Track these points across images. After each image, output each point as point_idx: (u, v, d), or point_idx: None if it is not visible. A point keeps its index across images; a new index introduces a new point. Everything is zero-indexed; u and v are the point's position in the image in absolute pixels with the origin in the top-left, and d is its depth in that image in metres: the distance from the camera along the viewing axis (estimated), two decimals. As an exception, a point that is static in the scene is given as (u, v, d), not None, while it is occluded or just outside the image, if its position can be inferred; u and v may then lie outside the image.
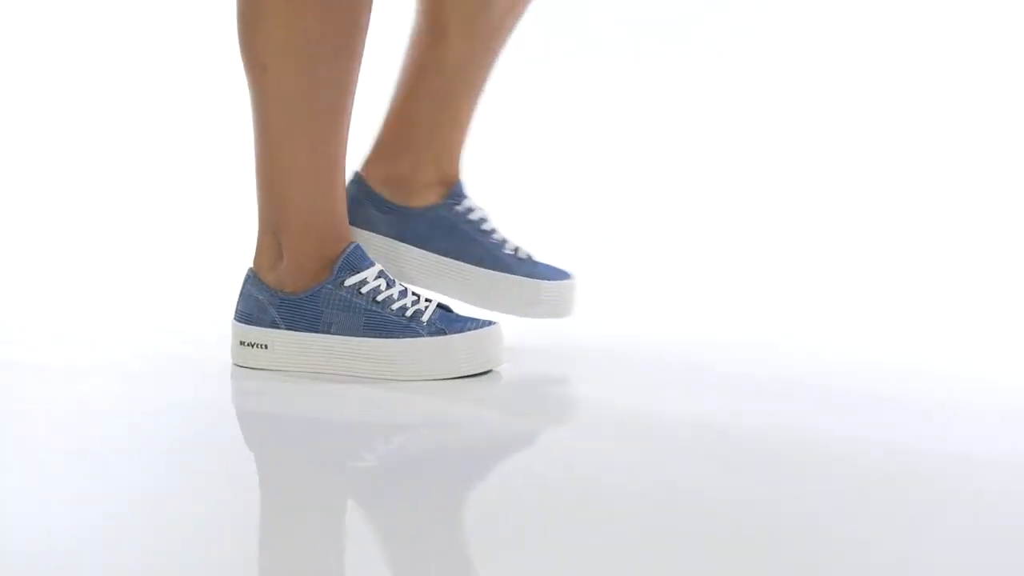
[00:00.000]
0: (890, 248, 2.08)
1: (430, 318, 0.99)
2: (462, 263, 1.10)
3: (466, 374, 1.00)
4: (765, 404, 0.97)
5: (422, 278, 1.10)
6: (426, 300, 1.01)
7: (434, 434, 0.90)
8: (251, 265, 1.03)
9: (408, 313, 0.99)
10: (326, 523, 0.64)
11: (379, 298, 0.99)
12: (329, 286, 0.99)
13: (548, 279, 1.10)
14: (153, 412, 0.91)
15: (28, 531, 0.62)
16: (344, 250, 1.00)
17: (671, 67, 2.44)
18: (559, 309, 1.11)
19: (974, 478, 0.75)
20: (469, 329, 1.00)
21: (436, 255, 1.10)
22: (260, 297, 1.01)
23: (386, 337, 0.99)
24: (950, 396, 1.02)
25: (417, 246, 1.10)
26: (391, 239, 1.10)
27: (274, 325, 1.00)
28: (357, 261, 1.00)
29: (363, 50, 1.00)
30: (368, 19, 0.99)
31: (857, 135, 2.38)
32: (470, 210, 1.11)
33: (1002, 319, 1.49)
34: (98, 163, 2.42)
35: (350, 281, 0.99)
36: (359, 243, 1.03)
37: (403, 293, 1.00)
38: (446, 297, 1.09)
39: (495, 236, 1.11)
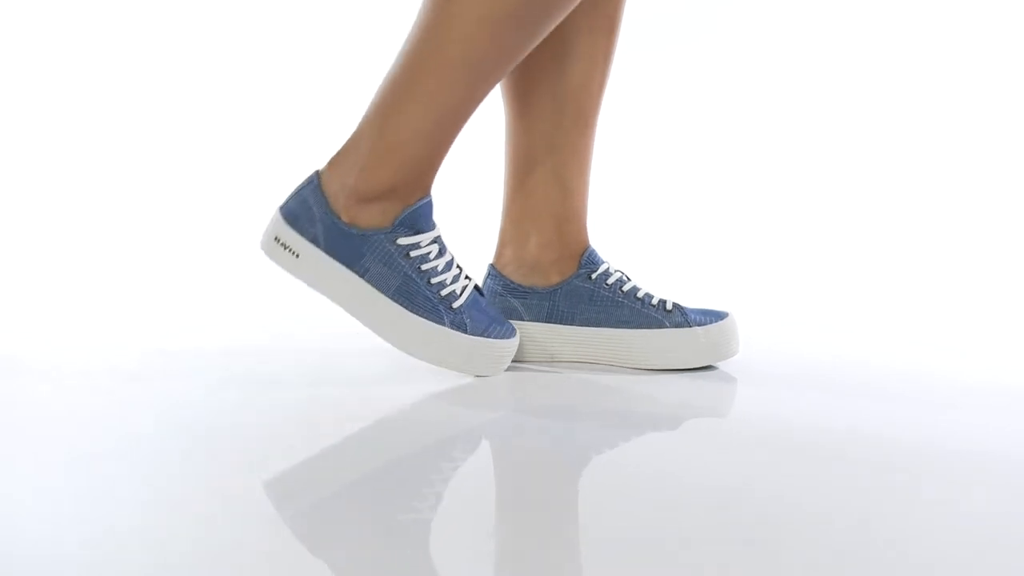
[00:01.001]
0: (890, 248, 2.08)
1: (461, 304, 1.02)
2: (612, 329, 1.10)
3: (470, 373, 1.03)
4: (765, 401, 0.98)
5: (578, 352, 1.11)
6: (465, 279, 1.03)
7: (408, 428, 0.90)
8: (321, 168, 1.02)
9: (444, 292, 1.01)
10: (336, 529, 0.64)
11: (423, 267, 1.00)
12: (382, 236, 0.99)
13: (701, 324, 1.09)
14: (155, 413, 0.91)
15: (28, 532, 0.62)
16: (415, 203, 1.00)
17: (669, 67, 2.44)
18: (720, 352, 1.09)
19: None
20: (489, 335, 1.03)
21: (584, 327, 1.11)
22: (314, 209, 1.00)
23: (410, 311, 1.00)
24: (952, 396, 1.02)
25: (563, 323, 1.11)
26: (538, 323, 1.12)
27: (314, 241, 1.00)
28: (419, 220, 1.00)
29: (543, 33, 0.99)
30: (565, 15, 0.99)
31: (860, 136, 2.38)
32: (607, 275, 1.12)
33: (1003, 319, 1.49)
34: (98, 163, 2.43)
35: (403, 241, 1.00)
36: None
37: (448, 265, 1.02)
38: (612, 368, 1.10)
39: (638, 294, 1.11)
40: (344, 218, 1.00)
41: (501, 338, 1.04)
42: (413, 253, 1.00)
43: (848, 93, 2.40)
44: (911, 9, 2.37)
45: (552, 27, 0.99)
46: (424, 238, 1.01)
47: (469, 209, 1.64)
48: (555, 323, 1.11)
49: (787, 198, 2.31)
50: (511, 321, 1.11)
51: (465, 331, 1.01)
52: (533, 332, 1.12)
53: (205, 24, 2.50)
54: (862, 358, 1.23)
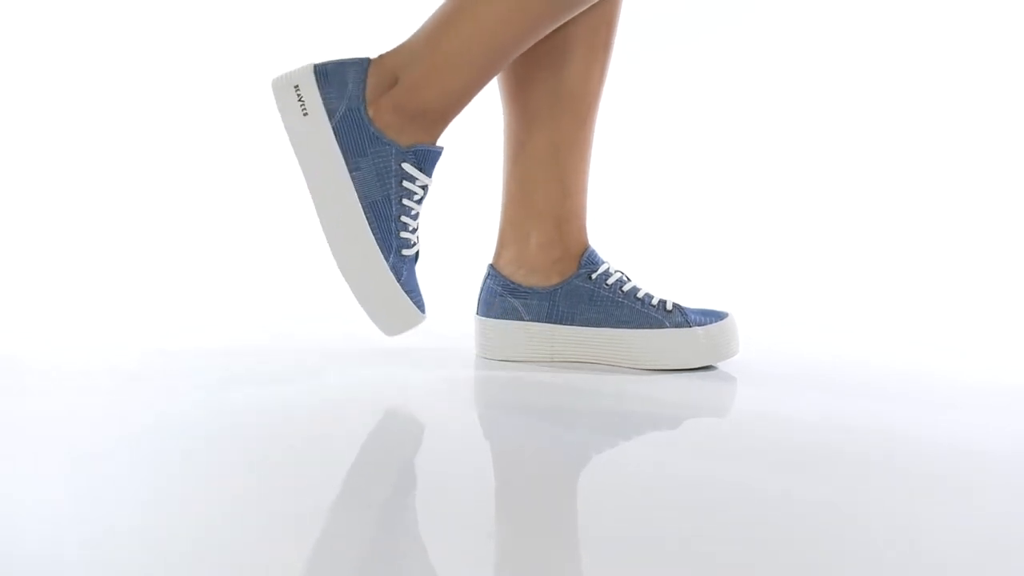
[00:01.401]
0: (890, 248, 2.08)
1: (407, 256, 1.03)
2: (612, 329, 1.10)
3: (375, 322, 1.05)
4: (765, 401, 0.98)
5: (578, 352, 1.12)
6: (417, 241, 1.04)
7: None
8: (373, 56, 1.02)
9: (403, 235, 1.01)
10: (336, 529, 0.64)
11: (405, 202, 1.00)
12: (392, 149, 0.99)
13: (701, 324, 1.09)
14: (155, 413, 0.91)
15: (28, 532, 0.62)
16: (434, 144, 1.01)
17: (669, 67, 2.44)
18: (720, 352, 1.10)
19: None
20: (411, 297, 1.04)
21: (584, 327, 1.11)
22: (349, 85, 0.99)
23: (371, 229, 1.00)
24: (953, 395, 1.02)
25: (564, 323, 1.11)
26: (538, 323, 1.12)
27: (330, 113, 0.99)
28: (427, 162, 1.01)
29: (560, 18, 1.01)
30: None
31: (859, 137, 2.38)
32: (607, 275, 1.12)
33: (1003, 319, 1.49)
34: (99, 164, 2.42)
35: (407, 167, 0.99)
36: (508, 335, 1.10)
37: (416, 218, 1.02)
38: (612, 368, 1.10)
39: (638, 294, 1.11)
40: (370, 111, 0.99)
41: (418, 307, 1.05)
42: (406, 184, 1.00)
43: (847, 94, 2.40)
44: (911, 9, 2.37)
45: None
46: (423, 178, 1.01)
47: (469, 209, 1.64)
48: (555, 323, 1.11)
49: (787, 199, 2.31)
50: (511, 321, 1.11)
51: (398, 280, 1.02)
52: (533, 332, 1.11)
53: (205, 23, 2.50)
54: (862, 358, 1.23)
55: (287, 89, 0.99)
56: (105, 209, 2.30)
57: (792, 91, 2.43)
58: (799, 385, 1.05)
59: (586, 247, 1.13)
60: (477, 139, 1.63)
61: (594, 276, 1.11)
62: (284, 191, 2.41)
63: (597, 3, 1.08)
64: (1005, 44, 2.31)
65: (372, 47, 1.06)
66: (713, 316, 1.10)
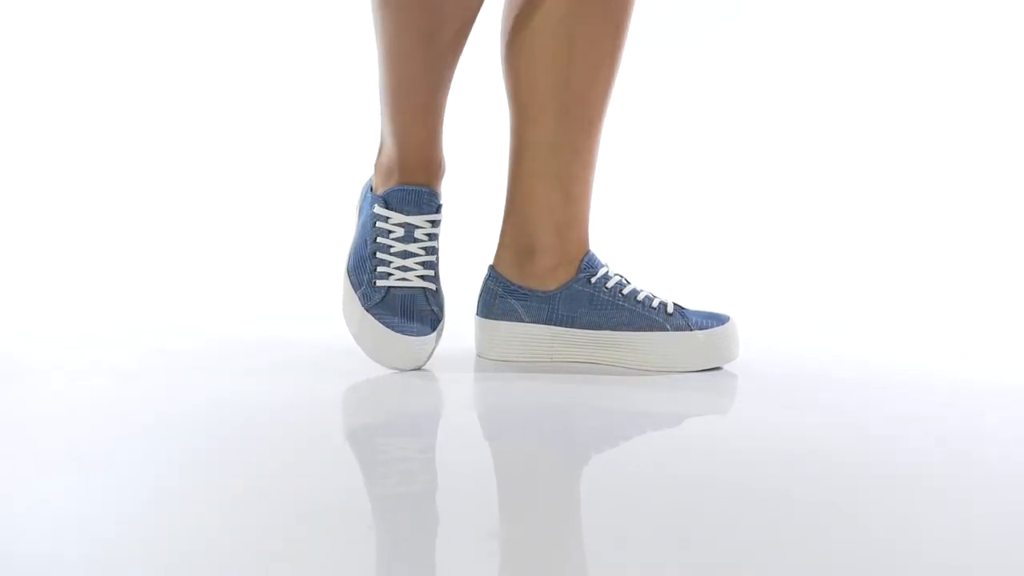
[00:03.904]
0: (890, 249, 2.08)
1: (385, 286, 1.06)
2: (612, 332, 1.10)
3: (363, 350, 1.08)
4: (765, 401, 0.98)
5: (578, 355, 1.12)
6: (419, 278, 1.07)
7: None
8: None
9: (379, 269, 1.06)
10: (336, 529, 0.64)
11: (379, 239, 1.07)
12: (370, 199, 1.10)
13: (701, 328, 1.09)
14: (155, 412, 0.91)
15: (28, 531, 0.62)
16: (398, 185, 1.08)
17: (670, 69, 2.44)
18: (721, 355, 1.09)
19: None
20: (381, 320, 1.06)
21: (584, 330, 1.11)
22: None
23: (348, 268, 1.09)
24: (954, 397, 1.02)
25: (564, 326, 1.11)
26: (538, 325, 1.12)
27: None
28: (393, 201, 1.07)
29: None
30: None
31: (859, 138, 2.38)
32: (606, 278, 1.11)
33: (1003, 319, 1.49)
34: (100, 164, 2.43)
35: (378, 210, 1.07)
36: (507, 336, 1.11)
37: (404, 255, 1.07)
38: (612, 370, 1.10)
39: (638, 297, 1.10)
40: (373, 182, 1.13)
41: (398, 331, 1.04)
42: (379, 224, 1.07)
43: (847, 96, 2.40)
44: (911, 9, 2.37)
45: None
46: (396, 216, 1.06)
47: (469, 209, 1.64)
48: (555, 325, 1.11)
49: (787, 200, 2.31)
50: (511, 322, 1.11)
51: (364, 305, 1.05)
52: (533, 333, 1.11)
53: (205, 22, 2.50)
54: (862, 358, 1.23)
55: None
56: (105, 209, 2.30)
57: (791, 93, 2.43)
58: (799, 385, 1.05)
59: (586, 252, 1.13)
60: (477, 139, 1.63)
61: (593, 280, 1.11)
62: (284, 191, 2.41)
63: (604, 5, 1.07)
64: (1005, 44, 2.31)
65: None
66: (715, 319, 1.10)
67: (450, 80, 1.06)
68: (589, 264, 1.12)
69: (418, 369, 1.06)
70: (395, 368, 1.05)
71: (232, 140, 2.49)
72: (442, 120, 1.08)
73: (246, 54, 2.49)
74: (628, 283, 1.12)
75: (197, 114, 2.50)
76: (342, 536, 0.62)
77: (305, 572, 0.57)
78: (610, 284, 1.11)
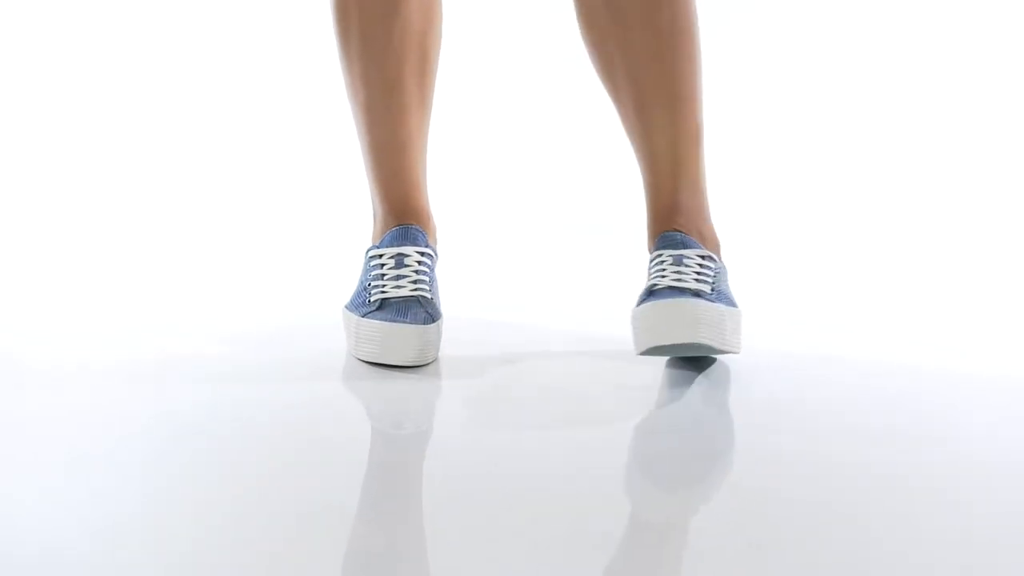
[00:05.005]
0: (890, 248, 2.08)
1: (378, 299, 1.07)
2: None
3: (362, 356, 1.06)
4: (764, 401, 0.98)
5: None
6: (413, 288, 1.08)
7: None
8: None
9: (373, 289, 1.08)
10: (336, 528, 0.64)
11: (372, 273, 1.09)
12: (368, 249, 1.13)
13: (639, 304, 1.00)
14: (155, 413, 0.91)
15: (28, 532, 0.62)
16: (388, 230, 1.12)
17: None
18: (654, 336, 0.95)
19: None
20: (365, 314, 1.07)
21: None
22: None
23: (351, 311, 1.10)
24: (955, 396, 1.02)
25: None
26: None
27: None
28: (384, 241, 1.11)
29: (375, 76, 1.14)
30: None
31: (860, 136, 2.38)
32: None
33: (1003, 318, 1.49)
34: (101, 164, 2.43)
35: (370, 253, 1.11)
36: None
37: (398, 278, 1.08)
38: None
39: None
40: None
41: (396, 322, 1.04)
42: (373, 262, 1.10)
43: (848, 93, 2.40)
44: (911, 9, 2.37)
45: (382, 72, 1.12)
46: (388, 251, 1.10)
47: (471, 209, 1.64)
48: None
49: (787, 200, 2.31)
50: None
51: (359, 314, 1.07)
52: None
53: (205, 22, 2.50)
54: (862, 358, 1.22)
55: None
56: (106, 209, 2.30)
57: (793, 90, 2.42)
58: (799, 385, 1.05)
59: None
60: (477, 139, 1.63)
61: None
62: (285, 191, 2.41)
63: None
64: (1005, 44, 2.31)
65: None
66: (659, 296, 0.98)
67: (425, 135, 1.14)
68: None
69: (423, 365, 1.06)
70: (401, 363, 1.04)
71: (232, 139, 2.49)
72: (424, 174, 1.15)
73: (247, 55, 2.49)
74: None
75: (197, 114, 2.50)
76: (342, 536, 0.62)
77: (305, 572, 0.57)
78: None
